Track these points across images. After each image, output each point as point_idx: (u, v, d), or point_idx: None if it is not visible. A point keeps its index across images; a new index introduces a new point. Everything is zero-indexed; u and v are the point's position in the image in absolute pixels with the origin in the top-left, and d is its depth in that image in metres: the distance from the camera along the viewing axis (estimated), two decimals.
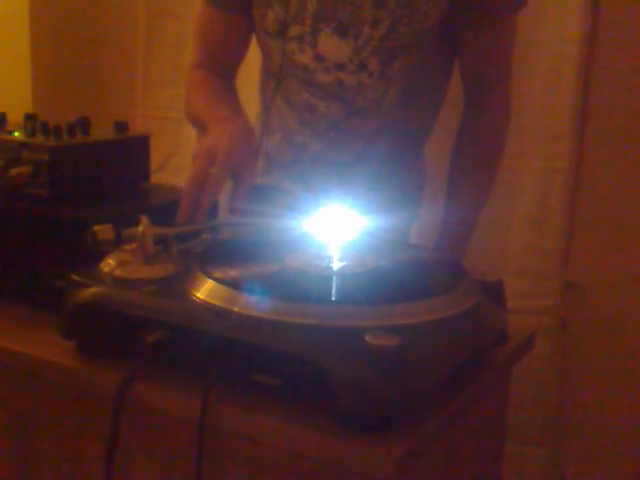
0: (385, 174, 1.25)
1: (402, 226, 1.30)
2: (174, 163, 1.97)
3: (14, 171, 0.94)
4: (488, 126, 1.25)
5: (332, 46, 1.14)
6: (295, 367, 0.70)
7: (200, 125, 1.15)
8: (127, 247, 0.83)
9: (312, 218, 0.87)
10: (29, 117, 1.03)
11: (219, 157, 0.95)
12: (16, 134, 0.98)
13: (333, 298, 0.77)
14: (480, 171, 1.26)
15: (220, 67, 1.27)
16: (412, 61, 1.15)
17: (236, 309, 0.74)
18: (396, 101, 1.18)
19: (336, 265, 0.83)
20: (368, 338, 0.67)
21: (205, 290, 0.77)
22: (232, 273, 0.80)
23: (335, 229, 0.85)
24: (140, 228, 0.83)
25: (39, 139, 0.96)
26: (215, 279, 0.77)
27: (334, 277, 0.81)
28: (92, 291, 0.79)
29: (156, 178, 1.14)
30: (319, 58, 1.15)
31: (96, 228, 0.82)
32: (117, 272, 0.82)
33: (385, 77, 1.16)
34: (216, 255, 0.86)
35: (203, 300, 0.76)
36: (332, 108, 1.18)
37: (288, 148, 1.26)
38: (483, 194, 1.28)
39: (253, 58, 1.32)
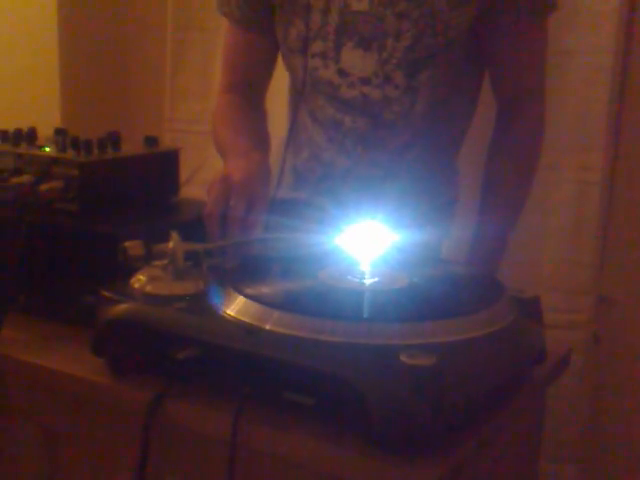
0: (416, 189, 1.22)
1: (434, 241, 1.27)
2: (202, 176, 1.96)
3: (45, 186, 0.94)
4: (522, 138, 1.22)
5: (355, 60, 1.13)
6: (328, 386, 0.69)
7: (223, 157, 1.15)
8: (158, 263, 0.83)
9: (344, 233, 0.85)
10: (59, 132, 1.03)
11: (234, 186, 0.94)
12: (47, 149, 0.99)
13: (367, 315, 0.75)
14: (514, 185, 1.23)
15: (248, 88, 1.27)
16: (439, 73, 1.14)
17: (267, 326, 0.73)
18: (424, 114, 1.17)
19: (369, 281, 0.81)
20: (403, 357, 0.65)
21: (236, 307, 0.76)
22: (263, 289, 0.80)
23: (368, 244, 0.84)
24: (171, 244, 0.82)
25: (70, 154, 0.96)
26: (246, 296, 0.76)
27: (368, 294, 0.80)
28: (123, 307, 0.79)
29: (184, 191, 1.14)
30: (343, 73, 1.15)
31: (127, 244, 0.82)
32: (148, 288, 0.81)
33: (411, 90, 1.14)
34: (247, 271, 0.85)
35: (234, 317, 0.75)
36: (358, 123, 1.17)
37: (316, 164, 1.25)
38: (517, 208, 1.25)
39: (285, 74, 1.32)
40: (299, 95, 1.21)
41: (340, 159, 1.21)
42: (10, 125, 1.05)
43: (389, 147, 1.19)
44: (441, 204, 1.29)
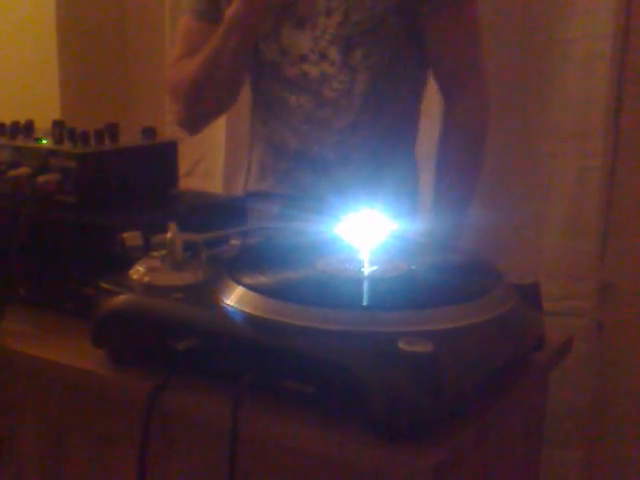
0: (369, 173, 1.25)
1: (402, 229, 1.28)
2: (202, 168, 1.97)
3: (42, 178, 0.94)
4: (467, 114, 1.24)
5: (293, 39, 1.19)
6: (327, 374, 0.69)
7: (223, 29, 1.16)
8: (156, 254, 0.83)
9: (341, 222, 0.85)
10: (57, 124, 1.03)
11: None
12: (44, 141, 0.99)
13: (365, 303, 0.75)
14: (464, 160, 1.25)
15: None
16: (375, 52, 1.18)
17: (267, 316, 0.73)
18: (366, 93, 1.20)
19: (367, 269, 0.81)
20: (402, 344, 0.65)
21: (235, 297, 0.76)
22: (262, 279, 0.79)
23: (365, 233, 0.84)
24: (169, 235, 0.82)
25: (67, 146, 0.96)
26: (245, 285, 0.76)
27: (366, 282, 0.80)
28: (122, 299, 0.79)
29: (185, 183, 1.14)
30: (283, 52, 1.21)
31: (125, 235, 0.82)
32: (146, 279, 0.81)
33: (348, 67, 1.19)
34: (246, 261, 0.85)
35: (233, 307, 0.75)
36: (302, 100, 1.22)
37: (272, 149, 1.28)
38: (470, 183, 1.26)
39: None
40: (252, 83, 1.27)
41: (291, 140, 1.25)
42: (11, 118, 1.05)
43: (335, 126, 1.22)
44: (399, 193, 1.27)
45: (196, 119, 1.30)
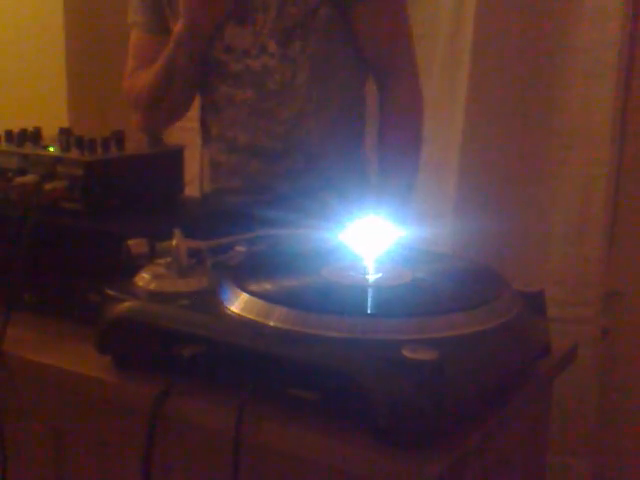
0: (319, 163, 1.29)
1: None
2: None
3: (49, 186, 0.94)
4: (395, 118, 1.29)
5: (236, 36, 1.26)
6: (332, 381, 0.69)
7: (172, 45, 1.24)
8: (161, 261, 0.83)
9: (346, 228, 0.85)
10: (64, 131, 1.04)
11: None
12: (51, 149, 0.99)
13: (369, 311, 0.75)
14: (401, 153, 1.29)
15: None
16: (312, 44, 1.24)
17: (271, 323, 0.73)
18: (308, 84, 1.26)
19: (372, 277, 0.81)
20: (406, 352, 0.65)
21: (240, 304, 0.76)
22: (267, 286, 0.80)
23: (370, 240, 0.84)
24: (174, 242, 0.82)
25: (74, 154, 0.96)
26: (250, 292, 0.77)
27: (370, 289, 0.80)
28: (127, 305, 0.79)
29: (190, 189, 1.14)
30: (228, 49, 1.27)
31: (130, 242, 0.82)
32: (152, 286, 0.81)
33: (288, 59, 1.25)
34: (251, 268, 0.85)
35: (238, 314, 0.75)
36: (248, 94, 1.27)
37: (224, 145, 1.33)
38: (407, 174, 1.30)
39: None
40: (200, 84, 1.32)
41: (240, 134, 1.30)
42: (18, 125, 1.05)
43: (281, 117, 1.27)
44: (348, 179, 1.33)
45: (155, 125, 1.38)
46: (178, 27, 1.23)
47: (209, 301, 0.79)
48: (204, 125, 1.38)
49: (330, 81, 1.28)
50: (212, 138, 1.36)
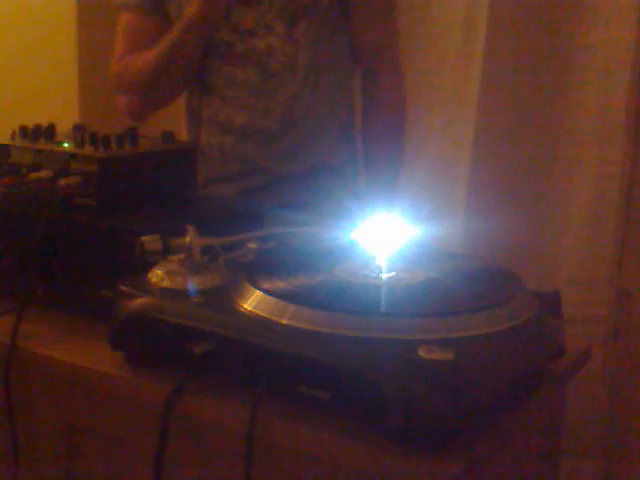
0: (312, 145, 1.33)
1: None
2: None
3: (63, 181, 0.94)
4: (384, 95, 1.35)
5: (242, 16, 1.27)
6: (345, 380, 0.68)
7: (182, 26, 1.25)
8: (175, 257, 0.83)
9: (360, 227, 0.85)
10: (78, 128, 1.04)
11: None
12: (65, 145, 0.99)
13: (384, 310, 0.75)
14: (387, 135, 1.34)
15: None
16: (316, 26, 1.27)
17: (284, 321, 0.73)
18: (307, 66, 1.29)
19: (386, 275, 0.81)
20: (421, 352, 0.65)
21: (253, 301, 0.76)
22: (280, 284, 0.79)
23: (384, 238, 0.83)
24: (187, 238, 0.82)
25: (88, 150, 0.96)
26: (263, 290, 0.76)
27: (385, 288, 0.79)
28: (140, 302, 0.79)
29: None
30: (235, 29, 1.28)
31: (144, 239, 0.82)
32: (165, 283, 0.81)
33: (292, 40, 1.27)
34: (264, 265, 0.85)
35: (251, 311, 0.75)
36: (249, 74, 1.29)
37: (215, 127, 1.34)
38: (392, 161, 1.36)
39: None
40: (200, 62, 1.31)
41: (237, 114, 1.32)
42: (30, 121, 1.05)
43: (279, 98, 1.30)
44: (338, 162, 1.37)
45: (148, 108, 1.40)
46: (189, 12, 1.24)
47: (222, 298, 0.78)
48: (191, 110, 1.38)
49: (327, 65, 1.31)
50: (202, 122, 1.36)
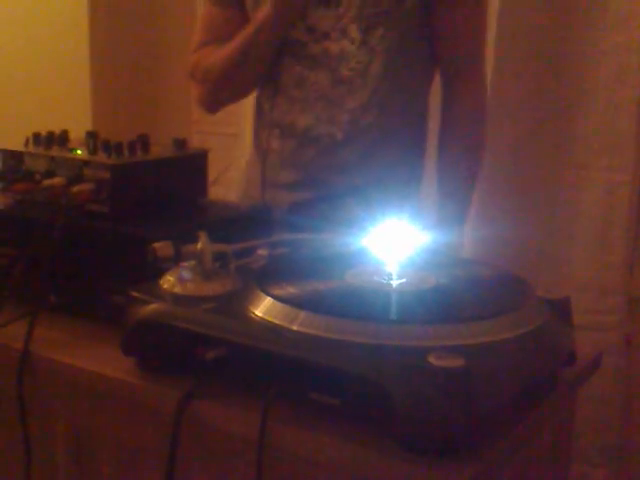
0: (376, 158, 1.27)
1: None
2: (229, 177, 1.98)
3: (76, 188, 0.95)
4: (465, 114, 1.29)
5: (318, 16, 1.23)
6: (356, 387, 0.69)
7: (254, 28, 1.24)
8: (186, 264, 0.83)
9: (371, 233, 0.85)
10: (90, 135, 1.04)
11: None
12: (78, 152, 1.00)
13: (395, 317, 0.75)
14: (464, 158, 1.29)
15: None
16: (393, 34, 1.22)
17: (295, 327, 0.73)
18: (380, 76, 1.24)
19: (397, 282, 0.81)
20: (431, 359, 0.65)
21: (264, 307, 0.76)
22: (291, 290, 0.80)
23: (394, 245, 0.84)
24: (199, 245, 0.83)
25: (101, 157, 0.97)
26: (274, 296, 0.77)
27: (395, 295, 0.79)
28: (152, 308, 0.80)
29: (211, 192, 1.14)
30: (310, 30, 1.24)
31: (156, 245, 0.83)
32: (176, 289, 0.82)
33: (367, 46, 1.23)
34: (275, 272, 0.85)
35: (262, 318, 0.76)
36: (320, 77, 1.25)
37: (277, 131, 1.30)
38: (469, 180, 1.31)
39: None
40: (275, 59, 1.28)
41: (301, 118, 1.27)
42: (43, 128, 1.06)
43: (347, 106, 1.25)
44: (403, 180, 1.31)
45: (220, 102, 1.38)
46: (262, 13, 1.22)
47: (233, 304, 0.79)
48: (259, 109, 1.35)
49: (400, 75, 1.26)
50: (265, 123, 1.33)
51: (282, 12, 1.21)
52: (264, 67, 1.29)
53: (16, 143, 1.05)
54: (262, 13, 1.22)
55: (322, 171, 1.28)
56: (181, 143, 1.07)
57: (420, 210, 1.34)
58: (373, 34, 1.22)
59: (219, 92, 1.34)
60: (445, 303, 0.78)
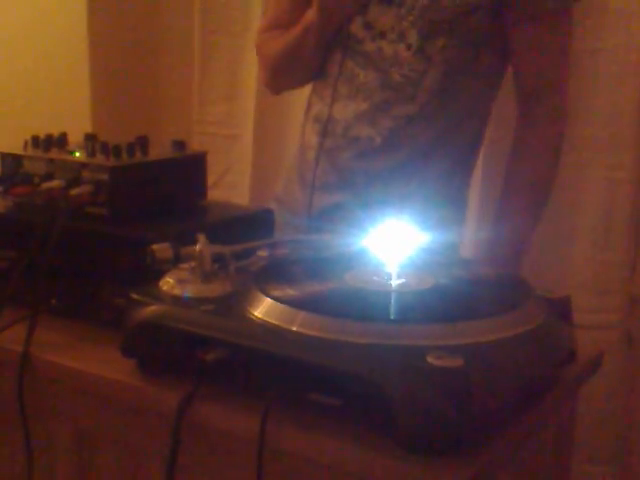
0: (414, 172, 1.20)
1: (448, 239, 1.23)
2: (229, 180, 1.98)
3: (75, 191, 0.95)
4: (539, 141, 1.20)
5: (379, 14, 1.17)
6: (355, 387, 0.69)
7: (302, 27, 1.24)
8: (185, 265, 0.84)
9: (370, 234, 0.85)
10: (89, 137, 1.04)
11: None
12: (77, 154, 1.00)
13: (394, 316, 0.75)
14: (531, 189, 1.21)
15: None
16: (454, 45, 1.14)
17: (295, 328, 0.73)
18: (434, 89, 1.17)
19: (396, 282, 0.81)
20: (430, 359, 0.65)
21: (263, 309, 0.76)
22: (290, 291, 0.80)
23: (394, 245, 0.84)
24: (198, 247, 0.83)
25: (99, 159, 0.97)
26: (273, 297, 0.77)
27: (394, 295, 0.79)
28: (151, 310, 0.80)
29: (211, 195, 1.15)
30: (368, 26, 1.19)
31: (155, 247, 0.83)
32: (176, 291, 0.82)
33: (423, 55, 1.15)
34: (274, 273, 0.85)
35: (261, 319, 0.76)
36: (369, 77, 1.20)
37: (318, 126, 1.27)
38: (537, 209, 1.23)
39: None
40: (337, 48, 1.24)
41: (343, 114, 1.22)
42: (42, 131, 1.06)
43: (393, 112, 1.19)
44: (439, 202, 1.23)
45: (280, 87, 1.40)
46: (309, 15, 1.21)
47: (232, 306, 0.79)
48: (310, 101, 1.32)
49: (456, 90, 1.18)
50: (309, 117, 1.30)
51: (327, 17, 1.19)
52: (317, 61, 1.27)
53: (15, 146, 1.05)
54: (308, 15, 1.22)
55: (357, 175, 1.22)
56: (180, 145, 1.07)
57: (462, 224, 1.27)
58: (433, 43, 1.14)
59: (277, 78, 1.36)
60: (444, 303, 0.78)
